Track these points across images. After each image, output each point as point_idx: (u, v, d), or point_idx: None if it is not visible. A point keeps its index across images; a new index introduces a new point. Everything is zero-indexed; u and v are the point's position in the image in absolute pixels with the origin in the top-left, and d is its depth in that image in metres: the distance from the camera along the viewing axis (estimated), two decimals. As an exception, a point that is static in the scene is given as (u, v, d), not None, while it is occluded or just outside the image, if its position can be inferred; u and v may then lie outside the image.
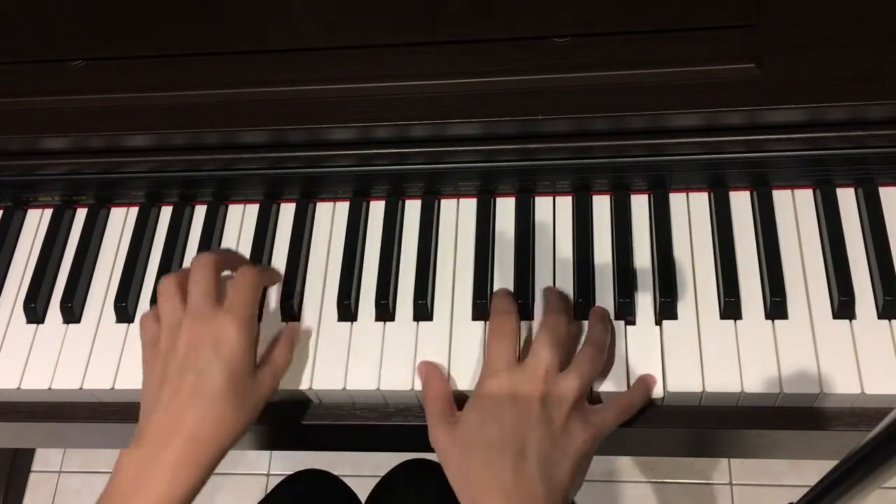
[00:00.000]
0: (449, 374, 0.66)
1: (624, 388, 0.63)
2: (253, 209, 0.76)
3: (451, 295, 0.70)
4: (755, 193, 0.70)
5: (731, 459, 1.42)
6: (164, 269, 0.74)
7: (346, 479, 0.94)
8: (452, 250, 0.72)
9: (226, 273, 0.67)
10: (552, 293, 0.67)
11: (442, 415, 0.62)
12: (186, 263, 0.75)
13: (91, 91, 0.74)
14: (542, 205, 0.73)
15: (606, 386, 0.64)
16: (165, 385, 0.60)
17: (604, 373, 0.64)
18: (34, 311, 0.74)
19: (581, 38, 0.69)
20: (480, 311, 0.68)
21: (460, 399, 0.63)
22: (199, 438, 0.58)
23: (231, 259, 0.70)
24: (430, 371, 0.65)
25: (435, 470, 0.85)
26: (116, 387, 0.69)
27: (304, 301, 0.71)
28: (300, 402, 0.69)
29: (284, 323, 0.70)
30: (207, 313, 0.61)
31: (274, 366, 0.65)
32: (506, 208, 0.73)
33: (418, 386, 0.65)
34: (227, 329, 0.60)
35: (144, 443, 0.59)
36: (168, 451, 0.58)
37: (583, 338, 0.65)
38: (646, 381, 0.63)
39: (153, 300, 0.72)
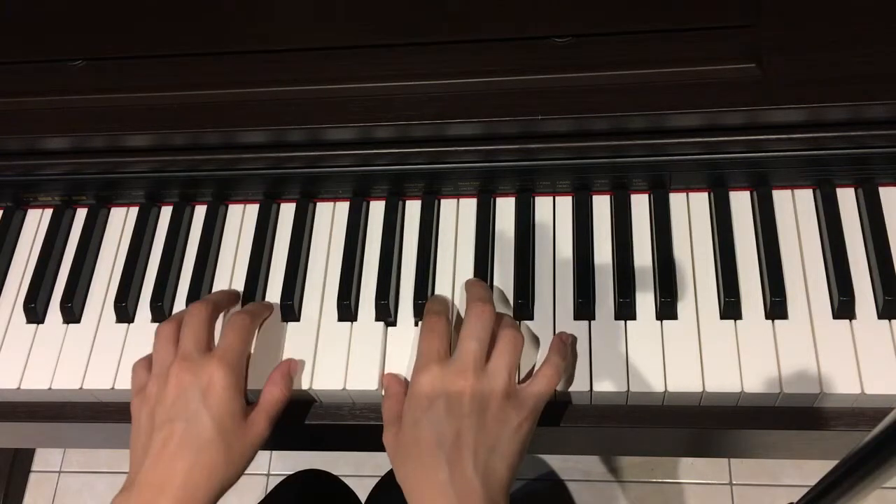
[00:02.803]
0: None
1: (624, 389, 0.63)
2: (253, 209, 0.76)
3: (452, 295, 0.69)
4: (755, 193, 0.70)
5: (731, 459, 1.42)
6: (164, 269, 0.74)
7: (346, 479, 0.94)
8: (452, 250, 0.72)
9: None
10: (473, 284, 0.68)
11: (390, 417, 0.62)
12: (186, 263, 0.75)
13: (91, 91, 0.74)
14: (542, 205, 0.73)
15: (605, 386, 0.64)
16: (155, 433, 0.60)
17: (601, 373, 0.64)
18: (34, 311, 0.74)
19: (581, 38, 0.69)
20: (480, 311, 0.68)
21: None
22: (190, 489, 0.58)
23: (226, 303, 0.70)
24: (389, 377, 0.66)
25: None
26: (116, 387, 0.69)
27: (304, 301, 0.71)
28: (300, 402, 0.69)
29: (285, 323, 0.70)
30: (196, 360, 0.62)
31: (266, 407, 0.64)
32: (506, 208, 0.73)
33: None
34: (214, 376, 0.61)
35: (136, 494, 0.59)
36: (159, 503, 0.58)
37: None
38: (558, 340, 0.64)
39: (153, 301, 0.72)
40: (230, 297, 0.71)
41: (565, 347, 0.64)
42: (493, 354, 0.61)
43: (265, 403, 0.64)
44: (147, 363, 0.65)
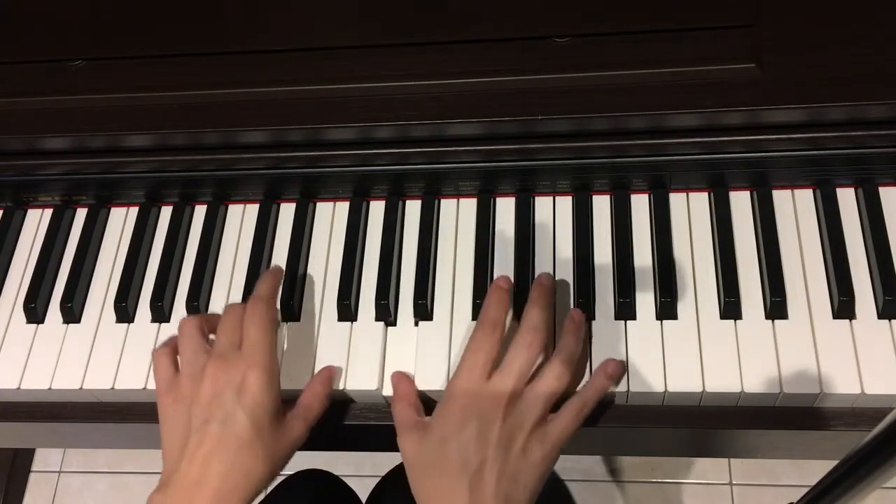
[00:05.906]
0: (449, 371, 0.66)
1: (624, 389, 0.63)
2: (253, 209, 0.76)
3: (451, 295, 0.69)
4: (755, 193, 0.70)
5: (731, 459, 1.42)
6: (164, 269, 0.74)
7: (346, 479, 0.94)
8: (452, 250, 0.72)
9: None
10: (536, 299, 0.63)
11: (408, 422, 0.62)
12: (186, 263, 0.75)
13: (91, 91, 0.74)
14: (542, 205, 0.73)
15: (606, 386, 0.64)
16: (193, 434, 0.60)
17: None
18: (34, 311, 0.74)
19: (581, 38, 0.69)
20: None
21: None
22: (226, 490, 0.58)
23: (276, 288, 0.69)
24: (398, 376, 0.66)
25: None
26: (116, 387, 0.69)
27: (304, 301, 0.71)
28: (300, 402, 0.69)
29: (285, 323, 0.70)
30: (229, 358, 0.61)
31: (305, 411, 0.64)
32: (506, 208, 0.73)
33: (419, 386, 0.65)
34: (247, 375, 0.60)
35: (172, 492, 0.59)
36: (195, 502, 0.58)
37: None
38: (601, 373, 0.63)
39: (153, 301, 0.72)
40: (275, 279, 0.69)
41: (605, 379, 0.63)
42: (535, 380, 0.60)
43: (302, 408, 0.64)
44: (171, 354, 0.64)
